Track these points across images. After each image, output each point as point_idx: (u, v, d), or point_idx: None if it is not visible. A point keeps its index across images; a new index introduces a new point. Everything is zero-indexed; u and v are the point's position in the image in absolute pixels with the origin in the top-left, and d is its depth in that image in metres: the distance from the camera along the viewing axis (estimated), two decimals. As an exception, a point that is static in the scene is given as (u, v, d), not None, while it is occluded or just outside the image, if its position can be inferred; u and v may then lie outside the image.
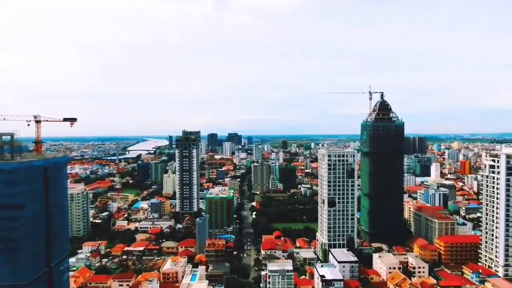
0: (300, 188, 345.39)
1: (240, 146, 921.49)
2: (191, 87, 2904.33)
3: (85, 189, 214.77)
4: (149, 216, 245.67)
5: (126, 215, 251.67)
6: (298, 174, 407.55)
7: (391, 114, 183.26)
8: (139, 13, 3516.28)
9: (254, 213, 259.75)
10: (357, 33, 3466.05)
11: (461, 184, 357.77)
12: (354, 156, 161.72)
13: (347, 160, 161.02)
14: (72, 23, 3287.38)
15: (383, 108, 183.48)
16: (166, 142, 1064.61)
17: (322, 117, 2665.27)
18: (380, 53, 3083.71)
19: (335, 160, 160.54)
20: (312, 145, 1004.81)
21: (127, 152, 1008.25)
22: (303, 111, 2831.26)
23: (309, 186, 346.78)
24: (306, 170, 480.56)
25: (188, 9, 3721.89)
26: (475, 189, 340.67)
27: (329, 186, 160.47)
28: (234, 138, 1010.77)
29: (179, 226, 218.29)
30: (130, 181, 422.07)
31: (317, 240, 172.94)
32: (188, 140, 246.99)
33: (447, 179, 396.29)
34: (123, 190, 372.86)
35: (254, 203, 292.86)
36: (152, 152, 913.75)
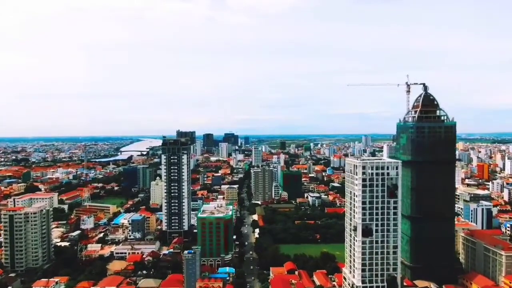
0: (307, 197, 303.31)
1: (237, 147, 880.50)
2: (188, 87, 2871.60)
3: (45, 207, 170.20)
4: (129, 235, 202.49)
5: (102, 235, 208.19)
6: (302, 180, 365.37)
7: (438, 112, 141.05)
8: (136, 13, 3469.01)
9: (256, 230, 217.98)
10: (356, 33, 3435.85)
11: (487, 192, 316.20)
12: (397, 168, 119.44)
13: (388, 174, 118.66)
14: (70, 22, 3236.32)
15: (428, 103, 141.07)
16: (161, 142, 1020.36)
17: (319, 117, 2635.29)
18: (379, 53, 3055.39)
19: (372, 174, 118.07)
20: (311, 145, 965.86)
21: (119, 153, 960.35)
22: (300, 111, 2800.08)
23: (317, 195, 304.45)
24: (310, 175, 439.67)
25: (185, 9, 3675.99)
26: (506, 198, 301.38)
27: (363, 209, 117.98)
28: (230, 138, 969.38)
29: (164, 252, 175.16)
30: (116, 188, 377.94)
31: (345, 279, 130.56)
32: (177, 144, 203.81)
33: (467, 185, 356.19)
34: (105, 199, 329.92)
35: (255, 216, 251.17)
36: (144, 153, 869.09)
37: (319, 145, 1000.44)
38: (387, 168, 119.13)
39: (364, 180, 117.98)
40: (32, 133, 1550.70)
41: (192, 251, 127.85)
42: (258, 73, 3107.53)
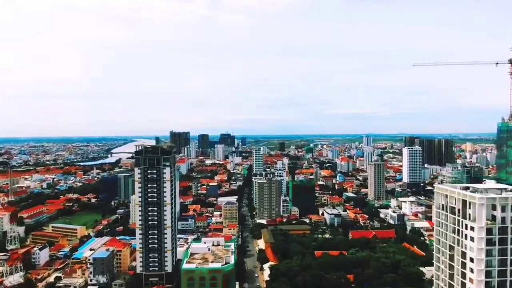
0: (323, 214, 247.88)
1: (233, 148, 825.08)
2: (185, 86, 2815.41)
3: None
4: (91, 279, 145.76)
5: (54, 277, 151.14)
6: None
7: None
8: (132, 12, 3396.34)
9: (265, 266, 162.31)
10: (353, 33, 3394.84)
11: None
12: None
13: (532, 219, 63.46)
14: (66, 22, 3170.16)
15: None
16: (154, 143, 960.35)
17: (316, 117, 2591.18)
18: (376, 53, 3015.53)
19: (504, 219, 62.84)
20: (311, 146, 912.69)
21: (109, 155, 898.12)
22: (297, 111, 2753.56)
23: (335, 211, 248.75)
24: (319, 182, 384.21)
25: (182, 8, 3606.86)
26: None
27: (489, 279, 62.76)
28: (227, 139, 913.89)
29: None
30: (93, 200, 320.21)
31: None
32: (156, 153, 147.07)
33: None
34: (78, 215, 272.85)
35: (261, 242, 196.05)
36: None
37: (319, 146, 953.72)
38: (532, 208, 63.86)
39: (491, 231, 62.71)
40: (25, 133, 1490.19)
41: None
42: (255, 73, 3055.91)
